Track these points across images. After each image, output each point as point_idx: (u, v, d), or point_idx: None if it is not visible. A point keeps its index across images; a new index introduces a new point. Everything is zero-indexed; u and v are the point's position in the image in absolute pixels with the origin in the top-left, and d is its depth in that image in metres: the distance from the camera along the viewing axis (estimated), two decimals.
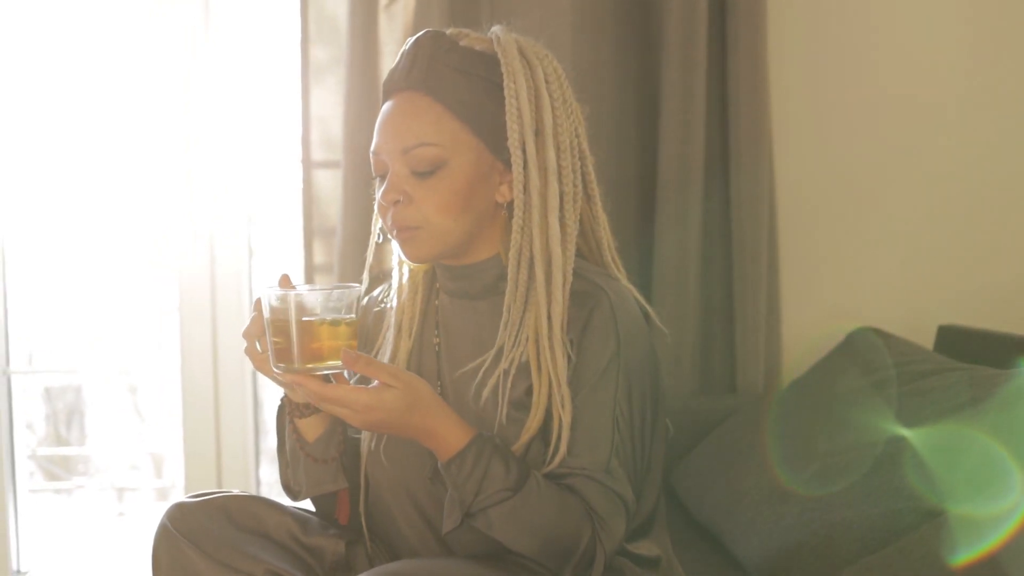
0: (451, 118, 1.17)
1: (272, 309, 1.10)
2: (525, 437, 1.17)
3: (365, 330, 1.36)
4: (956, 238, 2.16)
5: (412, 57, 1.19)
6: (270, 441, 2.84)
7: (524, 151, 1.18)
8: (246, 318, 2.36)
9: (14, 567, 2.46)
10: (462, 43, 1.21)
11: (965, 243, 2.16)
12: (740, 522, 1.55)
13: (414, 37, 1.21)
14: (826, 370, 1.81)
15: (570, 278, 1.18)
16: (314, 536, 1.29)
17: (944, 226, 2.16)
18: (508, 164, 1.19)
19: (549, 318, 1.17)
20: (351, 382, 1.21)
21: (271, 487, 2.76)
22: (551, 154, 1.18)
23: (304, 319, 1.08)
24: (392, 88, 1.22)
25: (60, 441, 4.02)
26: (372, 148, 1.22)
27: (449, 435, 1.12)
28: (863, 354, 1.75)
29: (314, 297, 1.09)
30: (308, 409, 1.25)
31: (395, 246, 1.25)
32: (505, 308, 1.19)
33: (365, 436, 1.30)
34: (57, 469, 3.78)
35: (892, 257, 2.17)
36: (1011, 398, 1.34)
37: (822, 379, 1.78)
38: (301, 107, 2.09)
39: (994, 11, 2.15)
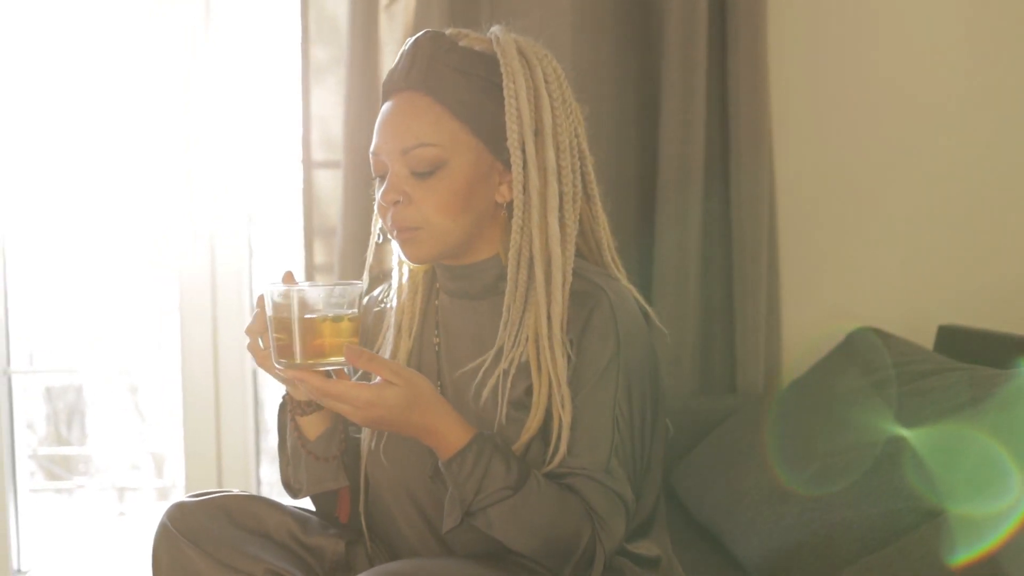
0: (450, 118, 1.17)
1: (274, 305, 1.10)
2: (525, 437, 1.17)
3: (365, 330, 1.36)
4: (956, 238, 2.16)
5: (411, 57, 1.19)
6: (270, 441, 2.84)
7: (524, 151, 1.18)
8: (246, 318, 2.36)
9: (15, 566, 2.46)
10: (461, 43, 1.21)
11: (965, 243, 2.16)
12: (740, 522, 1.55)
13: (413, 37, 1.21)
14: (826, 370, 1.81)
15: (570, 278, 1.18)
16: (314, 536, 1.29)
17: (944, 226, 2.16)
18: (508, 164, 1.19)
19: (549, 318, 1.17)
20: (353, 379, 1.21)
21: (271, 487, 2.76)
22: (550, 154, 1.18)
23: (306, 315, 1.08)
24: (391, 88, 1.22)
25: (61, 441, 4.03)
26: (372, 148, 1.22)
27: (450, 434, 1.12)
28: (863, 354, 1.75)
29: (316, 293, 1.10)
30: (310, 407, 1.25)
31: (395, 246, 1.25)
32: (505, 308, 1.19)
33: (365, 436, 1.30)
34: (58, 469, 3.79)
35: (892, 257, 2.17)
36: (1011, 398, 1.34)
37: (822, 379, 1.79)
38: (301, 107, 2.09)
39: (994, 11, 2.15)
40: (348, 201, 2.05)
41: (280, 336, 1.09)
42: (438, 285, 1.31)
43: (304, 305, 1.08)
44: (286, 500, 1.35)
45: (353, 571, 1.29)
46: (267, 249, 2.55)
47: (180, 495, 1.45)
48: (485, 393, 1.20)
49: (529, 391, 1.18)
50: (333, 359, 1.10)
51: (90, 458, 3.87)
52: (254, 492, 1.84)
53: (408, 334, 1.30)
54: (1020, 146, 2.15)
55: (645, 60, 2.10)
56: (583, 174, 1.24)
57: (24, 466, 2.55)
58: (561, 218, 1.19)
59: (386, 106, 1.22)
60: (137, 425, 3.98)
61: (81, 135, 2.62)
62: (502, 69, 1.18)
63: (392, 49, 2.04)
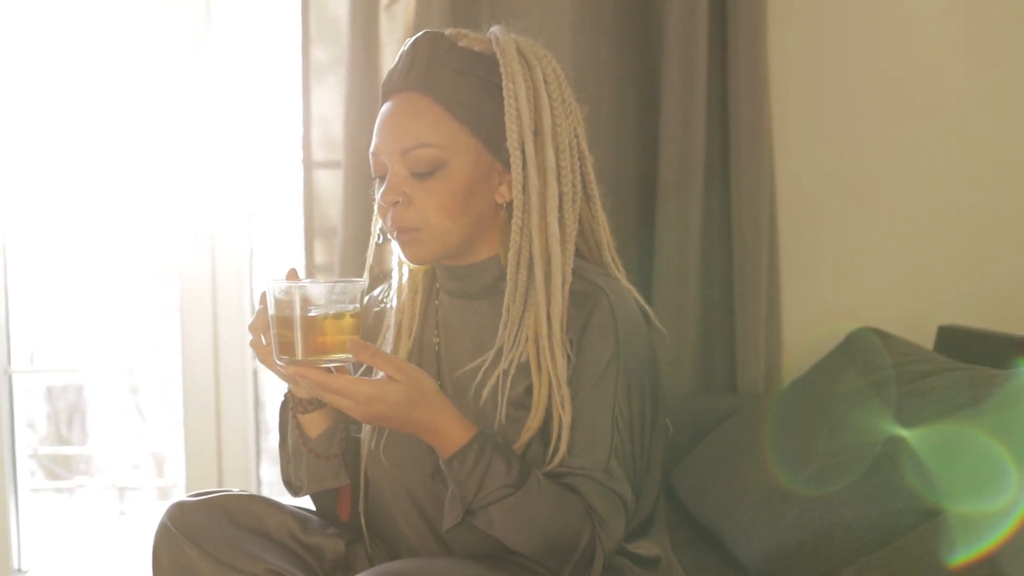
0: (450, 119, 1.18)
1: (277, 302, 1.10)
2: (525, 437, 1.17)
3: (366, 330, 1.36)
4: (956, 238, 2.16)
5: (411, 58, 1.19)
6: (271, 440, 2.85)
7: (523, 151, 1.18)
8: (247, 318, 2.37)
9: (15, 566, 2.46)
10: (461, 44, 1.21)
11: (965, 243, 2.16)
12: (740, 522, 1.55)
13: (413, 38, 1.21)
14: (826, 370, 1.81)
15: (569, 278, 1.18)
16: (314, 535, 1.29)
17: (944, 226, 2.16)
18: (507, 164, 1.19)
19: (549, 318, 1.17)
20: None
21: (272, 486, 2.76)
22: (550, 154, 1.19)
23: (308, 312, 1.08)
24: (391, 89, 1.22)
25: (61, 440, 4.03)
26: (371, 149, 1.22)
27: (452, 432, 1.12)
28: (863, 354, 1.75)
29: (318, 290, 1.10)
30: (311, 404, 1.25)
31: (395, 246, 1.25)
32: (504, 308, 1.19)
33: (365, 436, 1.30)
34: (58, 468, 3.79)
35: (892, 257, 2.17)
36: (1010, 398, 1.34)
37: (822, 379, 1.79)
38: (302, 107, 2.09)
39: (994, 12, 2.15)
40: (348, 201, 2.05)
41: (282, 332, 1.10)
42: (438, 285, 1.31)
43: (306, 302, 1.09)
44: (286, 500, 1.35)
45: (353, 571, 1.29)
46: (267, 249, 2.55)
47: (181, 495, 1.45)
48: (485, 393, 1.20)
49: (529, 391, 1.19)
50: (335, 356, 1.10)
51: (91, 457, 3.88)
52: (254, 492, 1.84)
53: (408, 334, 1.30)
54: (1020, 146, 2.15)
55: (645, 60, 2.10)
56: (583, 174, 1.24)
57: (25, 465, 2.55)
58: (561, 218, 1.19)
59: (385, 107, 1.22)
60: (138, 425, 3.98)
61: (81, 135, 2.63)
62: (501, 69, 1.18)
63: (392, 49, 2.04)
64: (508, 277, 1.19)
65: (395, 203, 1.19)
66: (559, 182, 1.19)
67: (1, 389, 2.44)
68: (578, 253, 1.25)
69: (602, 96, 2.06)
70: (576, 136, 1.23)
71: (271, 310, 1.11)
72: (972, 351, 1.73)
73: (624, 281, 1.27)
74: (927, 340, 1.93)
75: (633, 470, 1.19)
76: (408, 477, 1.25)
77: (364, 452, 1.30)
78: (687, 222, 2.04)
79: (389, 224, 1.21)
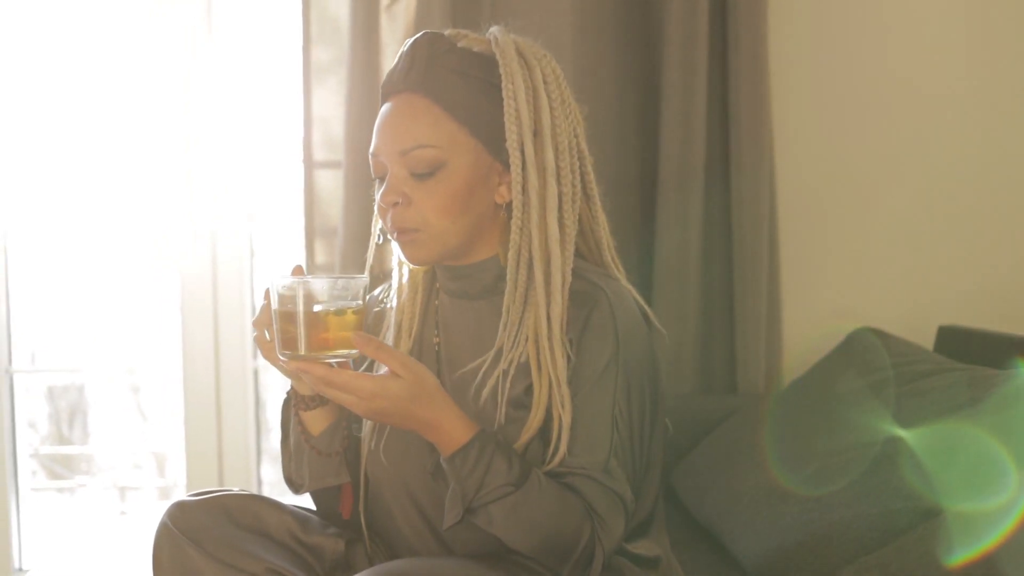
0: (449, 120, 1.18)
1: (280, 297, 1.10)
2: (525, 436, 1.17)
3: (366, 329, 1.36)
4: (956, 238, 2.16)
5: (410, 59, 1.20)
6: (271, 440, 2.85)
7: (523, 152, 1.18)
8: (248, 318, 2.37)
9: (16, 565, 2.47)
10: (460, 44, 1.21)
11: (965, 243, 2.16)
12: (739, 522, 1.55)
13: (412, 39, 1.21)
14: (826, 370, 1.81)
15: (569, 278, 1.18)
16: (314, 535, 1.29)
17: (944, 226, 2.17)
18: (507, 165, 1.19)
19: (548, 318, 1.17)
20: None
21: (272, 486, 2.76)
22: (549, 155, 1.19)
23: (311, 308, 1.09)
24: (390, 90, 1.22)
25: (63, 440, 4.03)
26: (371, 150, 1.22)
27: (453, 430, 1.12)
28: (862, 354, 1.75)
29: (321, 286, 1.10)
30: (314, 401, 1.26)
31: (395, 247, 1.26)
32: (504, 309, 1.20)
33: (365, 435, 1.31)
34: (59, 468, 3.79)
35: (892, 257, 2.17)
36: (1009, 398, 1.34)
37: (821, 379, 1.79)
38: (303, 107, 2.10)
39: (995, 12, 2.15)
40: (349, 201, 2.05)
41: (285, 328, 1.10)
42: (438, 285, 1.31)
43: (309, 298, 1.09)
44: (287, 499, 1.36)
45: (353, 570, 1.29)
46: (268, 249, 2.56)
47: (181, 494, 1.45)
48: (485, 393, 1.20)
49: (528, 390, 1.19)
50: (337, 351, 1.10)
51: (92, 457, 3.88)
52: (255, 491, 1.84)
53: (408, 334, 1.30)
54: (1020, 146, 2.15)
55: (645, 60, 2.10)
56: (582, 174, 1.24)
57: (26, 465, 2.56)
58: (560, 218, 1.20)
59: (385, 108, 1.22)
60: (139, 424, 3.99)
61: (82, 135, 2.63)
62: (501, 70, 1.18)
63: (393, 50, 2.04)
64: (508, 277, 1.19)
65: (395, 204, 1.19)
66: (559, 182, 1.20)
67: (2, 389, 2.44)
68: (578, 253, 1.25)
69: (602, 96, 2.06)
70: (576, 136, 1.23)
71: (274, 305, 1.11)
72: (972, 351, 1.73)
73: (624, 281, 1.27)
74: (927, 340, 1.93)
75: (633, 470, 1.19)
76: (408, 477, 1.26)
77: (364, 451, 1.30)
78: (687, 222, 2.04)
79: (389, 225, 1.21)
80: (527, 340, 1.18)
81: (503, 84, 1.17)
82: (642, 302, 1.26)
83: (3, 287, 2.46)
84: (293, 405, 1.28)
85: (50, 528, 3.20)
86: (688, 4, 2.01)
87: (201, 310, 2.37)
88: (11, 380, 2.47)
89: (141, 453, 3.93)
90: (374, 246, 1.31)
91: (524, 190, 1.18)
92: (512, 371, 1.19)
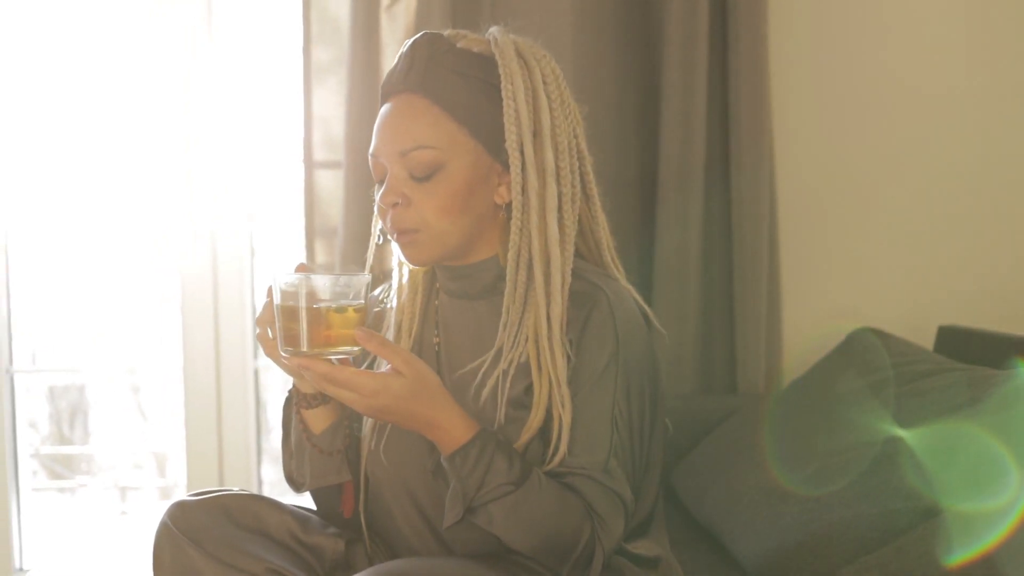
0: (449, 120, 1.18)
1: (283, 294, 1.10)
2: (526, 436, 1.17)
3: (368, 326, 1.37)
4: (956, 238, 2.16)
5: (409, 59, 1.20)
6: (272, 440, 2.85)
7: (522, 153, 1.18)
8: (248, 318, 2.37)
9: (16, 565, 2.47)
10: (459, 45, 1.21)
11: (965, 243, 2.16)
12: (739, 522, 1.55)
13: (411, 39, 1.21)
14: (825, 370, 1.81)
15: (569, 279, 1.18)
16: (314, 535, 1.29)
17: (944, 226, 2.17)
18: (506, 166, 1.19)
19: (548, 319, 1.17)
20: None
21: (273, 486, 2.77)
22: (549, 155, 1.19)
23: (313, 304, 1.09)
24: (390, 90, 1.22)
25: (63, 440, 4.04)
26: (370, 151, 1.22)
27: (454, 428, 1.12)
28: (862, 354, 1.75)
29: (323, 283, 1.10)
30: (315, 400, 1.26)
31: (395, 247, 1.26)
32: (504, 309, 1.20)
33: (366, 434, 1.31)
34: (60, 468, 3.80)
35: (892, 257, 2.17)
36: (1009, 398, 1.34)
37: (821, 379, 1.79)
38: (303, 107, 2.10)
39: (995, 12, 2.15)
40: (349, 201, 2.05)
41: (287, 325, 1.10)
42: (438, 285, 1.31)
43: (312, 295, 1.09)
44: (287, 499, 1.36)
45: (353, 570, 1.29)
46: (268, 249, 2.56)
47: (182, 494, 1.45)
48: (485, 393, 1.20)
49: (528, 390, 1.19)
50: (339, 348, 1.10)
51: (92, 457, 3.88)
52: (255, 491, 1.84)
53: (408, 334, 1.30)
54: (1020, 146, 2.15)
55: (645, 60, 2.10)
56: (582, 175, 1.24)
57: (26, 465, 2.56)
58: (560, 219, 1.20)
59: (384, 108, 1.22)
60: (139, 424, 3.99)
61: (82, 135, 2.63)
62: (500, 71, 1.18)
63: (393, 50, 2.05)
64: (507, 278, 1.19)
65: (394, 204, 1.19)
66: (558, 183, 1.20)
67: (3, 389, 2.44)
68: (577, 253, 1.25)
69: (602, 96, 2.06)
70: (575, 136, 1.23)
71: (277, 301, 1.11)
72: (972, 351, 1.73)
73: (623, 281, 1.27)
74: (927, 340, 1.93)
75: (632, 470, 1.19)
76: (408, 477, 1.26)
77: (364, 451, 1.30)
78: (687, 222, 2.04)
79: (389, 226, 1.21)
80: (527, 340, 1.18)
81: (502, 85, 1.17)
82: (642, 302, 1.26)
83: (3, 287, 2.46)
84: (295, 403, 1.28)
85: (50, 528, 3.20)
86: (688, 4, 2.01)
87: (201, 310, 2.37)
88: (11, 380, 2.47)
89: (141, 453, 3.93)
90: (374, 246, 1.31)
91: (524, 191, 1.18)
92: (512, 371, 1.19)
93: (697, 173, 2.03)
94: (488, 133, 1.18)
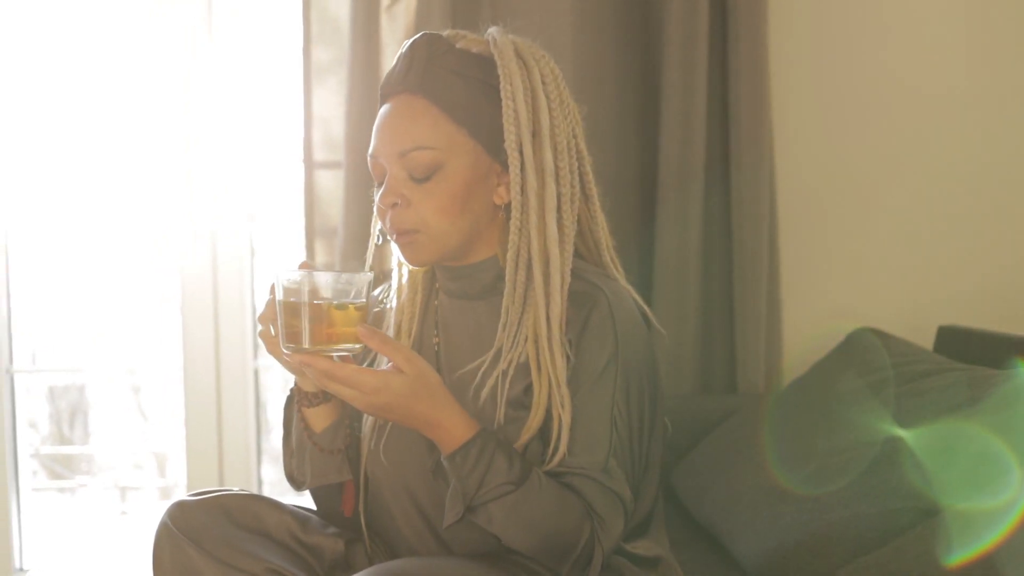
0: (448, 121, 1.18)
1: (285, 291, 1.11)
2: (525, 436, 1.17)
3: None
4: (956, 238, 2.16)
5: (408, 60, 1.20)
6: (272, 440, 2.85)
7: (521, 153, 1.18)
8: (248, 318, 2.38)
9: (16, 565, 2.47)
10: (458, 45, 1.21)
11: (965, 243, 2.16)
12: (738, 522, 1.55)
13: (410, 40, 1.21)
14: (825, 370, 1.81)
15: (568, 279, 1.18)
16: (314, 535, 1.30)
17: (944, 226, 2.17)
18: (506, 166, 1.19)
19: (548, 319, 1.17)
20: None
21: (273, 486, 2.77)
22: (548, 155, 1.19)
23: (315, 301, 1.09)
24: (389, 91, 1.22)
25: (63, 440, 4.04)
26: (370, 151, 1.22)
27: (454, 427, 1.12)
28: (862, 354, 1.75)
29: (326, 280, 1.10)
30: (317, 398, 1.26)
31: (394, 248, 1.26)
32: (504, 310, 1.20)
33: (365, 434, 1.31)
34: (60, 468, 3.80)
35: (892, 257, 2.18)
36: (1009, 398, 1.34)
37: (821, 379, 1.79)
38: (303, 107, 2.10)
39: (995, 12, 2.15)
40: (349, 201, 2.05)
41: (289, 321, 1.10)
42: (437, 285, 1.31)
43: (314, 292, 1.09)
44: (287, 499, 1.36)
45: (352, 570, 1.29)
46: (268, 249, 2.56)
47: (182, 494, 1.45)
48: (484, 393, 1.20)
49: (528, 390, 1.19)
50: (341, 345, 1.10)
51: (92, 457, 3.88)
52: (255, 491, 1.84)
53: (407, 334, 1.30)
54: (1020, 146, 2.15)
55: (645, 60, 2.10)
56: (581, 175, 1.24)
57: (27, 465, 2.56)
58: (559, 219, 1.20)
59: (383, 109, 1.22)
60: (139, 424, 3.99)
61: (83, 135, 2.63)
62: (499, 71, 1.18)
63: (393, 50, 2.05)
64: (507, 278, 1.19)
65: (393, 205, 1.19)
66: (557, 183, 1.20)
67: (3, 389, 2.44)
68: (577, 253, 1.25)
69: (602, 96, 2.06)
70: (574, 136, 1.23)
71: (279, 297, 1.11)
72: (972, 351, 1.73)
73: (623, 281, 1.27)
74: (927, 340, 1.93)
75: (632, 470, 1.19)
76: (408, 476, 1.26)
77: (364, 451, 1.30)
78: (687, 222, 2.04)
79: (388, 226, 1.21)
80: (526, 340, 1.18)
81: (501, 85, 1.17)
82: (641, 302, 1.26)
83: (4, 287, 2.47)
84: (296, 401, 1.28)
85: (50, 528, 3.20)
86: (688, 4, 2.01)
87: (201, 310, 2.38)
88: (12, 380, 2.47)
89: (142, 453, 3.94)
90: (374, 247, 1.31)
91: (523, 191, 1.18)
92: (511, 371, 1.19)
93: (697, 173, 2.03)
94: (487, 133, 1.18)
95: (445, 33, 1.23)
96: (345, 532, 1.32)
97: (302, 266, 1.16)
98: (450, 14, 2.00)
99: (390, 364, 1.11)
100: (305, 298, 1.09)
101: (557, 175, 1.20)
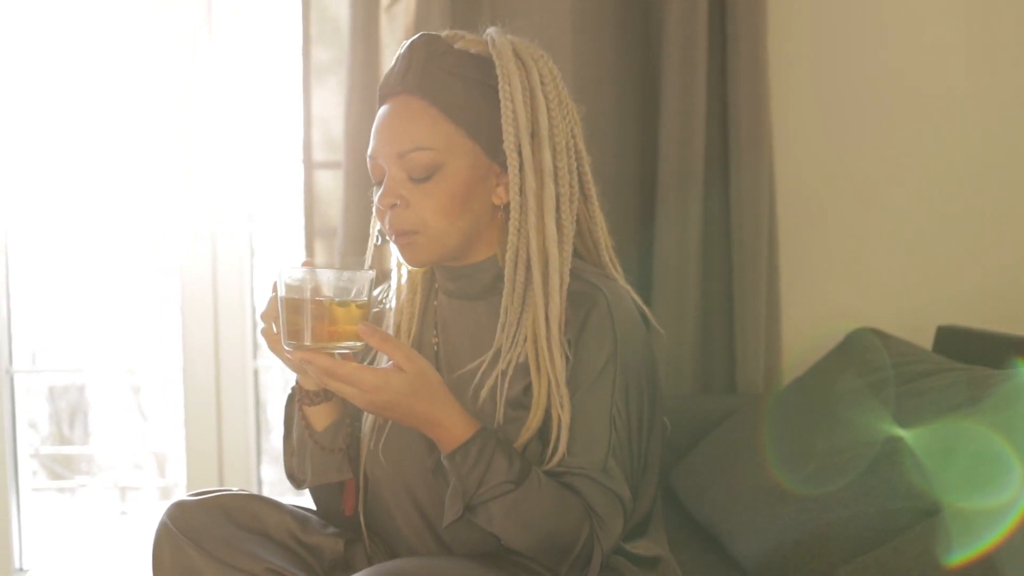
0: (446, 121, 1.18)
1: (287, 288, 1.11)
2: (525, 436, 1.17)
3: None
4: (956, 238, 2.16)
5: (407, 60, 1.20)
6: (272, 440, 2.85)
7: (520, 153, 1.18)
8: (248, 318, 2.38)
9: (16, 565, 2.47)
10: (457, 46, 1.21)
11: (965, 243, 2.16)
12: (738, 521, 1.55)
13: (409, 40, 1.22)
14: (825, 370, 1.81)
15: (567, 279, 1.19)
16: (313, 535, 1.30)
17: (944, 226, 2.17)
18: (504, 166, 1.19)
19: (547, 319, 1.17)
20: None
21: (273, 486, 2.77)
22: (547, 156, 1.19)
23: (317, 298, 1.09)
24: (388, 92, 1.22)
25: (63, 440, 4.04)
26: (369, 152, 1.22)
27: (454, 426, 1.12)
28: (862, 354, 1.75)
29: (328, 278, 1.11)
30: (318, 397, 1.26)
31: (394, 248, 1.26)
32: (503, 310, 1.20)
33: (365, 434, 1.31)
34: (60, 468, 3.80)
35: (892, 257, 2.18)
36: (1008, 398, 1.34)
37: (821, 379, 1.79)
38: (303, 108, 2.10)
39: (995, 12, 2.15)
40: (349, 202, 2.05)
41: (291, 319, 1.10)
42: (437, 285, 1.31)
43: (316, 289, 1.10)
44: (287, 499, 1.36)
45: (352, 570, 1.29)
46: (268, 249, 2.56)
47: (182, 494, 1.45)
48: (483, 393, 1.20)
49: (527, 390, 1.19)
50: (342, 343, 1.10)
51: (92, 457, 3.88)
52: (255, 491, 1.84)
53: (407, 334, 1.30)
54: (1020, 146, 2.15)
55: (645, 60, 2.10)
56: (580, 175, 1.24)
57: (26, 465, 2.56)
58: (558, 219, 1.20)
59: (382, 110, 1.22)
60: (139, 424, 3.99)
61: (82, 135, 2.63)
62: (498, 71, 1.18)
63: (393, 50, 2.05)
64: (506, 278, 1.19)
65: (393, 206, 1.19)
66: (556, 183, 1.20)
67: (3, 389, 2.45)
68: (576, 253, 1.25)
69: (602, 96, 2.06)
70: (573, 136, 1.23)
71: (282, 294, 1.11)
72: (971, 351, 1.73)
73: (622, 281, 1.27)
74: (926, 340, 1.93)
75: (631, 469, 1.19)
76: (407, 476, 1.26)
77: (364, 451, 1.31)
78: (687, 222, 2.04)
79: (387, 227, 1.21)
80: (525, 340, 1.18)
81: (500, 85, 1.17)
82: (640, 302, 1.26)
83: (3, 287, 2.47)
84: (297, 400, 1.28)
85: (50, 528, 3.20)
86: (688, 4, 2.01)
87: (201, 310, 2.38)
88: (11, 380, 2.47)
89: (141, 453, 3.94)
90: (373, 247, 1.31)
91: (522, 191, 1.18)
92: (510, 371, 1.19)
93: (697, 173, 2.03)
94: (486, 134, 1.18)
95: (444, 33, 1.23)
96: (344, 532, 1.32)
97: (304, 264, 1.16)
98: (449, 14, 2.00)
99: (390, 362, 1.11)
100: (307, 295, 1.09)
101: (556, 175, 1.20)
